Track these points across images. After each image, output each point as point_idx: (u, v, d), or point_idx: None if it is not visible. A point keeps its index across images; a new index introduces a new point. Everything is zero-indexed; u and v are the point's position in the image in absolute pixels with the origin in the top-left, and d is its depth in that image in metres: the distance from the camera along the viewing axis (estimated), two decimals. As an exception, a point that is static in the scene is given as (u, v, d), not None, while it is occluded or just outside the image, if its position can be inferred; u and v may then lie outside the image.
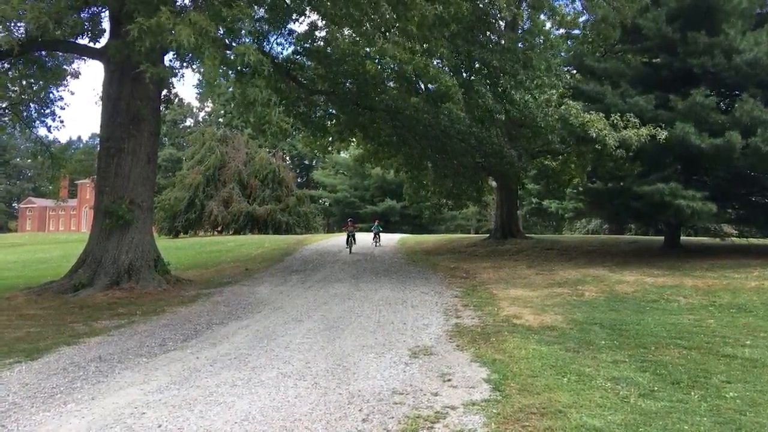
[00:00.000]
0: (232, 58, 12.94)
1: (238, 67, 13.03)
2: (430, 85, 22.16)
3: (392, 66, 17.93)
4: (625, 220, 31.15)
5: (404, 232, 50.96)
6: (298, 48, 20.33)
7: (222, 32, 13.03)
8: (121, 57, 13.83)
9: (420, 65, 15.62)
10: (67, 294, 14.61)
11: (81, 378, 7.30)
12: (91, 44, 16.73)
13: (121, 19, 13.86)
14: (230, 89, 12.87)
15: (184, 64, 13.76)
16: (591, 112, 18.02)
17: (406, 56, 15.35)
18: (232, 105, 14.38)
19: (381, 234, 33.25)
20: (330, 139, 26.87)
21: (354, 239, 27.84)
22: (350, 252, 26.46)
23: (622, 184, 20.34)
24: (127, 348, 8.99)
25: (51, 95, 19.60)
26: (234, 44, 13.91)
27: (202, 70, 13.13)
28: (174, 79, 16.89)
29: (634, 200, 18.46)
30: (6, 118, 19.47)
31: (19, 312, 12.54)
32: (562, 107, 18.11)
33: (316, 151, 30.67)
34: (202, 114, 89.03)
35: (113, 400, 6.38)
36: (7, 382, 7.16)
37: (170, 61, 16.27)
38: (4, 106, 18.98)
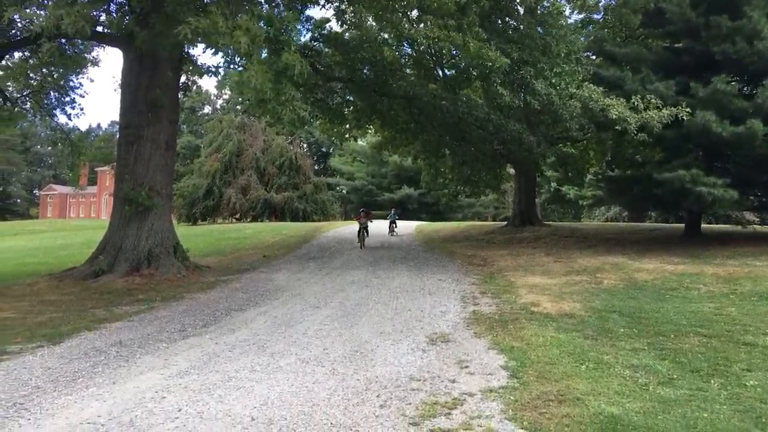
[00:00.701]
0: (280, 66, 13.10)
1: (281, 71, 13.21)
2: (448, 71, 22.06)
3: (424, 46, 17.81)
4: (646, 207, 30.89)
5: (422, 220, 50.94)
6: (316, 35, 20.31)
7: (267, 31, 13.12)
8: (148, 49, 13.92)
9: (458, 41, 15.35)
10: (88, 280, 14.79)
11: (102, 362, 7.40)
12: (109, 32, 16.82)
13: (148, 11, 13.91)
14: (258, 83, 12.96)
15: (227, 64, 13.97)
16: (611, 97, 17.81)
17: (441, 34, 15.17)
18: (251, 96, 14.43)
19: (397, 222, 31.65)
20: (347, 126, 26.84)
21: (366, 232, 24.31)
22: (362, 247, 23.21)
23: (642, 170, 20.12)
24: (147, 333, 9.10)
25: (71, 83, 19.74)
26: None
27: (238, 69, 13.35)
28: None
29: (654, 187, 18.26)
30: (27, 106, 19.65)
31: (41, 297, 12.72)
32: (584, 91, 17.89)
33: (333, 138, 30.66)
34: (219, 101, 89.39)
35: (134, 384, 6.46)
36: (30, 366, 7.28)
37: (209, 57, 16.38)
38: (25, 93, 19.16)
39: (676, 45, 20.24)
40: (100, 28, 16.55)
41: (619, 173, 22.56)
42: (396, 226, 30.54)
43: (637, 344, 8.06)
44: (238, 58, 12.92)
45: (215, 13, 11.64)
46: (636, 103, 17.44)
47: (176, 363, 7.32)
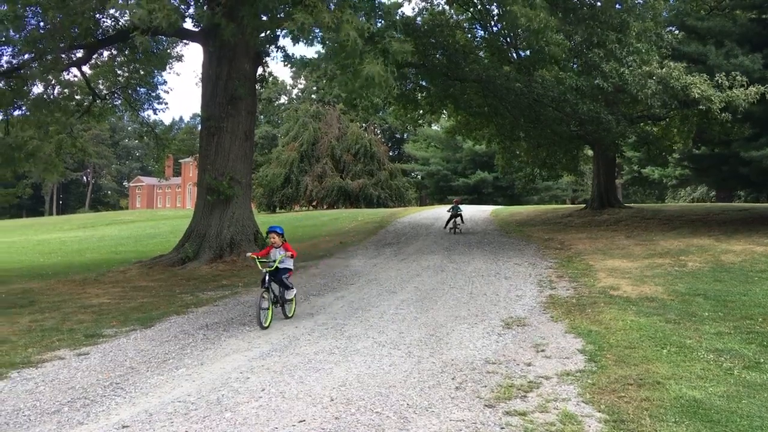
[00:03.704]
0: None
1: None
2: (522, 52, 21.66)
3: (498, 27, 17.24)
4: (734, 186, 29.51)
5: (497, 204, 50.38)
6: (388, 22, 20.32)
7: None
8: (235, 40, 14.37)
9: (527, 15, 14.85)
10: (176, 267, 15.50)
11: (190, 345, 7.79)
12: (193, 28, 17.41)
13: (234, 4, 14.32)
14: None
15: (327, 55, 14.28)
16: (693, 74, 17.05)
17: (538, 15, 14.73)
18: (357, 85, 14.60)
19: (462, 216, 23.56)
20: (421, 111, 26.81)
21: (281, 292, 9.48)
22: (263, 326, 8.67)
23: (729, 149, 19.22)
24: (231, 317, 9.49)
25: (156, 79, 20.58)
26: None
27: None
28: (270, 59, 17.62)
29: (741, 166, 17.43)
30: (118, 102, 20.62)
31: (133, 284, 13.43)
32: (663, 69, 17.17)
33: (407, 124, 30.66)
34: (295, 91, 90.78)
35: (220, 366, 6.78)
36: (124, 348, 7.75)
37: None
38: (113, 90, 20.09)
39: (763, 16, 19.14)
40: (188, 21, 17.18)
41: (705, 151, 21.61)
42: (461, 220, 23.48)
43: (722, 328, 7.82)
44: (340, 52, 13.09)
45: (320, 8, 11.83)
46: (720, 81, 16.61)
47: (259, 345, 7.62)
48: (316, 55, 15.12)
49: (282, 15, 13.33)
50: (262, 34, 14.82)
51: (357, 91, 14.33)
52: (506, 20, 15.26)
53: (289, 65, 14.73)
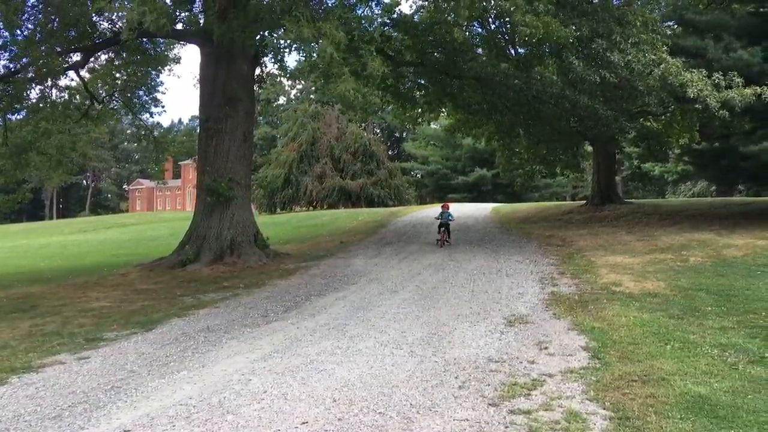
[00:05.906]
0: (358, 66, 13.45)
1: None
2: (520, 49, 21.61)
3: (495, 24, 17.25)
4: (735, 181, 29.43)
5: (497, 201, 50.33)
6: (386, 19, 20.27)
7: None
8: (225, 43, 14.37)
9: (528, 20, 14.70)
10: (176, 269, 15.44)
11: (191, 347, 7.76)
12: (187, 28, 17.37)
13: (226, 6, 14.30)
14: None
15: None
16: (692, 69, 16.97)
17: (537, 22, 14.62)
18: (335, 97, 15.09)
19: (451, 224, 19.15)
20: (419, 110, 26.75)
21: None
22: None
23: (728, 143, 19.15)
24: (232, 319, 9.45)
25: (154, 81, 20.55)
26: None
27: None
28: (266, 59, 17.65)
29: (741, 160, 17.38)
30: (115, 105, 20.58)
31: (134, 287, 13.39)
32: (662, 65, 17.11)
33: (406, 123, 30.56)
34: (294, 92, 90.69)
35: (221, 368, 6.75)
36: (125, 351, 7.71)
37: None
38: (111, 93, 20.06)
39: (762, 9, 19.09)
40: (179, 26, 17.12)
41: (705, 146, 21.55)
42: (448, 232, 18.75)
43: (726, 323, 7.79)
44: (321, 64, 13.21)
45: (302, 22, 11.85)
46: (717, 81, 16.52)
47: (260, 347, 7.59)
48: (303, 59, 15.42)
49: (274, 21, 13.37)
50: (257, 36, 14.81)
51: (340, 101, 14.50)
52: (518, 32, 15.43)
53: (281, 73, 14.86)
